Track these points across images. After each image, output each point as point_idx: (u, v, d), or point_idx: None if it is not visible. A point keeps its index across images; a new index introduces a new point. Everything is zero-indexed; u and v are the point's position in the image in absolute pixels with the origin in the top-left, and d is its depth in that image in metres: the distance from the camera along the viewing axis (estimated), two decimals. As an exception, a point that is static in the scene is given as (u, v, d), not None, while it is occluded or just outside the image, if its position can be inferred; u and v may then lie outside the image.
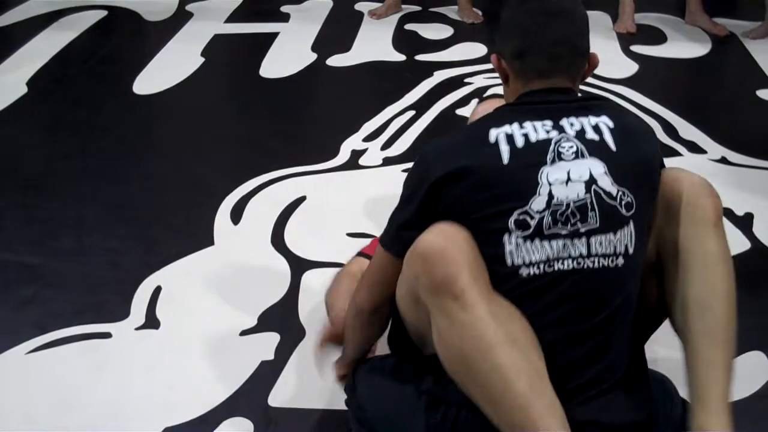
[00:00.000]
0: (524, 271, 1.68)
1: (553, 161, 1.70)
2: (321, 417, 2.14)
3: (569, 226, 1.69)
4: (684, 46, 4.74)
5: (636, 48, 4.69)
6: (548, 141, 1.72)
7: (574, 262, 1.69)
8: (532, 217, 1.68)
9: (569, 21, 1.85)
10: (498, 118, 1.79)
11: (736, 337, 1.72)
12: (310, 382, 2.25)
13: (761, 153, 3.43)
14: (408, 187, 1.79)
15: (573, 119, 1.76)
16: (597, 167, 1.71)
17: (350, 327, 2.00)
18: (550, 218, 1.68)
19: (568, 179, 1.70)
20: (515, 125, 1.74)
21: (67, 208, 3.14)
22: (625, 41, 4.80)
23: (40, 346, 2.42)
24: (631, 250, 1.73)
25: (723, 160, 3.40)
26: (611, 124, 1.77)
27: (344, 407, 2.01)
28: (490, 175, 1.70)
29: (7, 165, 3.51)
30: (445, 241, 1.64)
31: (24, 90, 4.21)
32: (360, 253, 2.38)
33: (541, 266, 1.68)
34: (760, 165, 3.36)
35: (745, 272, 2.66)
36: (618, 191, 1.71)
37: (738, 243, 2.81)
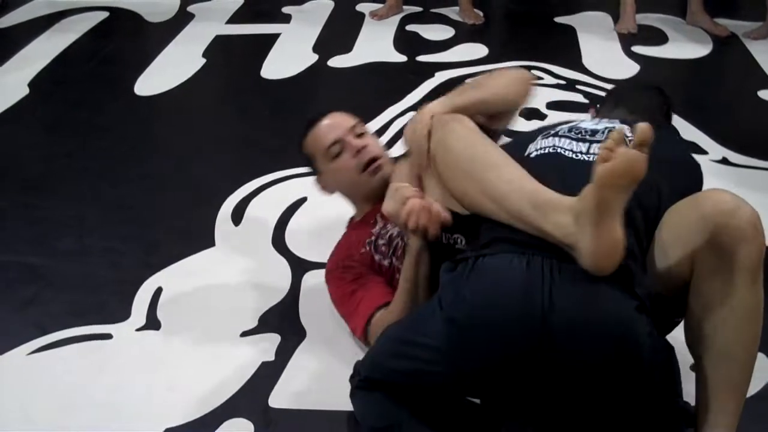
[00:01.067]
0: (533, 154, 2.03)
1: (591, 120, 2.20)
2: (322, 418, 2.14)
3: (580, 135, 2.03)
4: (685, 46, 4.74)
5: (637, 48, 4.68)
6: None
7: (574, 154, 1.97)
8: (554, 129, 2.10)
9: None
10: None
11: (749, 383, 1.79)
12: (311, 384, 2.25)
13: (762, 154, 3.43)
14: None
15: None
16: (623, 126, 1.99)
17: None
18: (566, 129, 2.07)
19: (597, 123, 2.11)
20: None
21: (68, 208, 3.14)
22: (626, 42, 4.79)
23: (41, 347, 2.42)
24: None
25: (724, 161, 3.39)
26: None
27: (345, 408, 2.01)
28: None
29: (9, 165, 3.52)
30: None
31: (25, 91, 4.22)
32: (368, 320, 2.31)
33: (547, 149, 2.02)
34: (761, 166, 3.36)
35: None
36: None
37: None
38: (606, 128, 2.04)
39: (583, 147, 1.98)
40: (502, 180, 1.84)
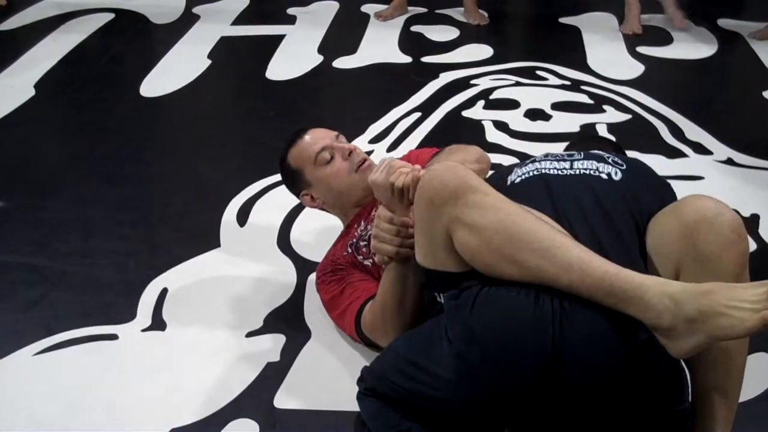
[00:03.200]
0: (518, 180, 2.03)
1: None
2: (327, 418, 2.14)
3: (559, 157, 2.08)
4: (690, 47, 4.73)
5: (642, 49, 4.68)
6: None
7: (558, 171, 2.01)
8: (528, 159, 2.15)
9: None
10: None
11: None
12: (316, 384, 2.26)
13: (767, 154, 3.42)
14: None
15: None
16: (592, 151, 2.15)
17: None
18: (543, 156, 2.12)
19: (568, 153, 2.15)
20: None
21: (74, 209, 3.15)
22: (631, 42, 4.79)
23: (47, 348, 2.42)
24: (615, 178, 1.95)
25: (729, 161, 3.39)
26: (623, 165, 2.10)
27: (350, 408, 2.02)
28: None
29: (15, 167, 3.53)
30: (448, 163, 1.89)
31: (32, 93, 4.23)
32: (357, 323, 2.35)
33: (530, 172, 2.02)
34: (766, 166, 3.35)
35: (751, 274, 2.67)
36: (609, 156, 2.07)
37: (745, 244, 2.80)
38: (580, 151, 2.13)
39: (566, 165, 2.03)
40: (561, 268, 1.67)
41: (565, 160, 2.05)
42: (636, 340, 1.65)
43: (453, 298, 1.81)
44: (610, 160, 2.04)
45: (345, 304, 2.34)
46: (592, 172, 1.99)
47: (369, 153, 3.46)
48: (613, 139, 2.79)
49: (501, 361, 1.72)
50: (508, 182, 2.04)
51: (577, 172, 2.00)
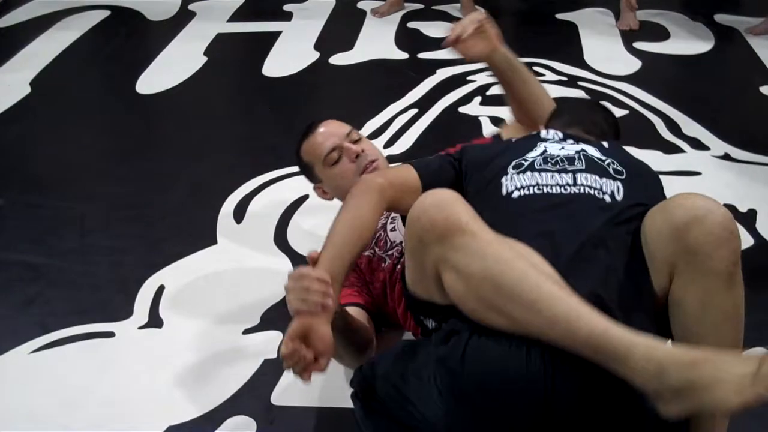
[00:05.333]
0: (516, 194, 1.92)
1: (553, 142, 2.07)
2: (324, 415, 2.15)
3: (558, 166, 1.96)
4: (687, 42, 4.73)
5: (639, 45, 4.68)
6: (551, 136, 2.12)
7: (561, 188, 1.91)
8: (526, 160, 2.00)
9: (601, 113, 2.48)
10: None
11: None
12: (313, 381, 2.24)
13: (764, 149, 3.42)
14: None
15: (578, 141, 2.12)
16: (590, 148, 2.03)
17: (341, 212, 1.98)
18: (541, 159, 1.99)
19: (563, 147, 2.04)
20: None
21: (70, 207, 3.15)
22: (628, 38, 4.79)
23: (43, 346, 2.42)
24: (618, 197, 1.87)
25: (726, 157, 3.39)
26: (606, 145, 2.10)
27: (347, 405, 2.01)
28: (500, 145, 2.16)
29: (11, 164, 3.53)
30: (436, 196, 1.76)
31: (27, 90, 4.22)
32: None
33: (531, 188, 1.92)
34: (763, 161, 3.35)
35: (748, 269, 2.66)
36: (607, 159, 1.98)
37: (741, 240, 2.79)
38: (578, 152, 2.00)
39: (569, 179, 1.92)
40: (547, 324, 1.62)
41: (566, 171, 1.93)
42: (630, 394, 1.60)
43: (441, 342, 1.76)
44: (611, 169, 1.95)
45: None
46: (595, 192, 1.89)
47: (366, 149, 3.46)
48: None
49: (492, 416, 1.70)
50: (504, 192, 1.93)
51: (581, 190, 1.89)
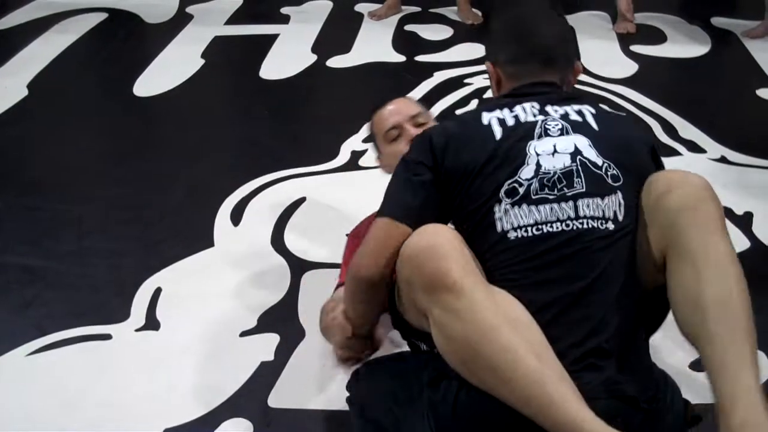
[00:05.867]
0: (512, 234, 1.78)
1: (540, 137, 1.86)
2: (320, 418, 2.14)
3: (556, 191, 1.80)
4: (684, 45, 4.74)
5: (636, 48, 4.69)
6: (535, 122, 1.88)
7: (563, 224, 1.78)
8: (521, 185, 1.80)
9: (559, 27, 2.08)
10: (490, 105, 1.96)
11: (755, 335, 1.66)
12: (310, 383, 2.25)
13: (761, 152, 3.43)
14: (407, 165, 1.93)
15: (557, 107, 1.92)
16: (582, 140, 1.86)
17: (350, 300, 2.06)
18: (537, 184, 1.80)
19: (555, 151, 1.84)
20: (506, 110, 1.92)
21: (68, 209, 3.15)
22: (625, 41, 4.80)
23: (41, 348, 2.42)
24: (620, 217, 1.80)
25: (722, 160, 3.39)
26: (593, 111, 1.93)
27: (344, 407, 2.01)
28: (484, 148, 1.85)
29: (8, 167, 3.52)
30: (430, 239, 1.70)
31: (25, 93, 4.23)
32: (339, 285, 2.40)
33: (530, 229, 1.77)
34: (759, 164, 3.36)
35: (745, 271, 2.68)
36: (603, 162, 1.84)
37: (738, 242, 2.78)
38: (574, 159, 1.82)
39: (570, 211, 1.78)
40: (521, 401, 1.61)
41: (566, 199, 1.78)
42: None
43: (432, 384, 1.76)
44: (609, 176, 1.82)
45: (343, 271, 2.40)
46: (598, 224, 1.78)
47: (363, 152, 3.47)
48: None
49: None
50: (499, 229, 1.79)
51: (583, 225, 1.77)
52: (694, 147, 3.49)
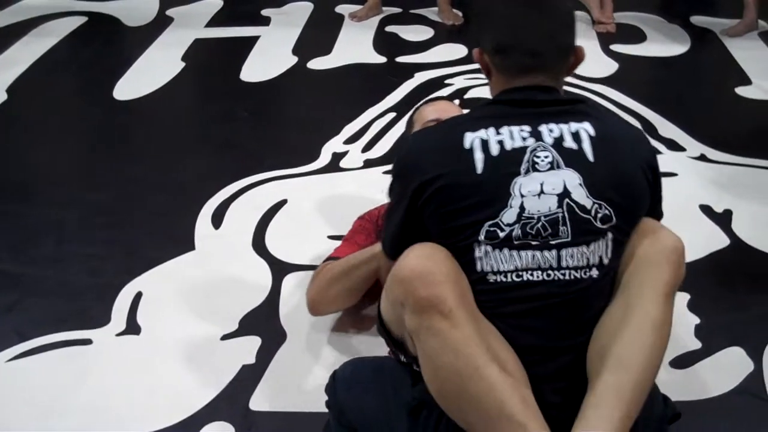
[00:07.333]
0: (491, 278, 1.71)
1: (527, 172, 1.72)
2: (302, 420, 2.14)
3: (540, 239, 1.69)
4: (663, 44, 4.76)
5: (615, 47, 4.70)
6: (524, 150, 1.73)
7: (544, 273, 1.70)
8: (502, 230, 1.69)
9: (553, 15, 1.84)
10: (474, 121, 1.79)
11: (644, 396, 1.67)
12: (292, 386, 2.25)
13: (740, 150, 3.45)
14: (393, 190, 1.84)
15: (552, 125, 1.76)
16: (572, 179, 1.72)
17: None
18: (519, 231, 1.69)
19: (542, 191, 1.71)
20: (491, 130, 1.75)
21: (47, 214, 3.13)
22: (605, 40, 4.81)
23: (21, 354, 2.41)
24: (606, 261, 1.73)
25: (702, 158, 3.41)
26: (592, 132, 1.76)
27: (325, 410, 2.01)
28: (464, 184, 1.72)
29: (-13, 172, 3.51)
30: (426, 262, 1.65)
31: (4, 97, 4.20)
32: (329, 258, 2.47)
33: (509, 275, 1.70)
34: (738, 162, 3.37)
35: (724, 269, 2.70)
36: (593, 204, 1.71)
37: (717, 240, 2.82)
38: (561, 202, 1.71)
39: (552, 260, 1.70)
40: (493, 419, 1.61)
41: (549, 248, 1.69)
42: None
43: (413, 413, 1.75)
44: (598, 219, 1.72)
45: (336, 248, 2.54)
46: (581, 273, 1.71)
47: (344, 154, 3.47)
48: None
49: None
50: (479, 268, 1.70)
51: (565, 276, 1.69)
52: (674, 145, 3.50)
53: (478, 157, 1.72)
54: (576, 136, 1.75)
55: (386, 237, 1.90)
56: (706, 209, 3.00)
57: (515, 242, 1.69)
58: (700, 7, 5.26)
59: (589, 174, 1.72)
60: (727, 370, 2.25)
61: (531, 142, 1.73)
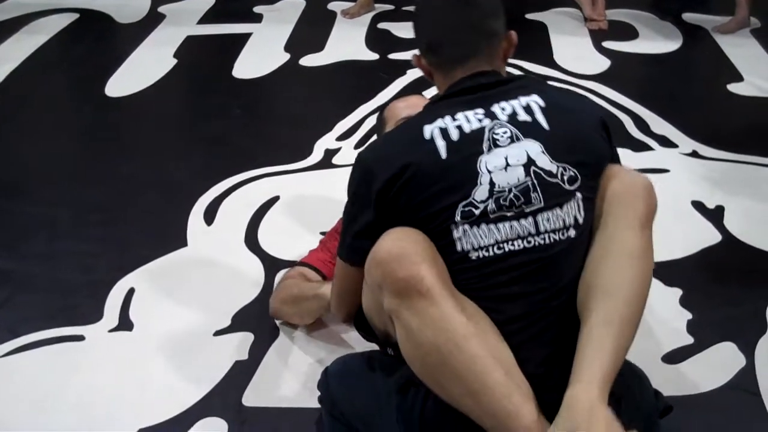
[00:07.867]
0: (473, 255, 1.73)
1: (489, 149, 1.76)
2: (294, 416, 2.14)
3: (514, 209, 1.73)
4: (655, 41, 4.76)
5: (608, 44, 4.70)
6: (482, 130, 1.78)
7: (524, 241, 1.73)
8: (476, 207, 1.73)
9: (476, 6, 1.88)
10: (429, 113, 1.85)
11: (634, 328, 1.68)
12: (285, 382, 2.26)
13: (732, 146, 3.45)
14: (354, 196, 1.86)
15: (504, 104, 1.82)
16: (533, 147, 1.78)
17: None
18: (494, 205, 1.73)
19: (507, 165, 1.76)
20: (447, 118, 1.80)
21: (39, 211, 3.13)
22: (597, 37, 4.81)
23: (13, 350, 2.41)
24: (581, 220, 1.77)
25: (694, 154, 3.41)
26: (542, 103, 1.83)
27: (317, 405, 2.01)
28: (431, 172, 1.75)
29: (-21, 169, 3.50)
30: (402, 243, 1.67)
31: (-5, 94, 4.20)
32: (301, 263, 2.51)
33: (491, 249, 1.72)
34: (730, 158, 3.37)
35: (716, 264, 2.71)
36: (558, 168, 1.77)
37: (709, 235, 2.83)
38: (528, 171, 1.75)
39: (530, 227, 1.73)
40: (486, 414, 1.63)
41: (525, 215, 1.72)
42: None
43: (401, 391, 1.76)
44: (565, 180, 1.76)
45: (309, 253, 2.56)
46: (559, 235, 1.74)
47: (337, 150, 3.47)
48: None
49: None
50: (459, 249, 1.72)
51: (545, 240, 1.73)
52: (666, 142, 3.50)
53: (440, 144, 1.76)
54: (528, 109, 1.81)
55: (345, 245, 1.89)
56: (698, 205, 3.00)
57: (491, 216, 1.72)
58: (692, 4, 5.26)
59: (548, 141, 1.78)
60: (719, 365, 2.26)
61: (487, 122, 1.78)
